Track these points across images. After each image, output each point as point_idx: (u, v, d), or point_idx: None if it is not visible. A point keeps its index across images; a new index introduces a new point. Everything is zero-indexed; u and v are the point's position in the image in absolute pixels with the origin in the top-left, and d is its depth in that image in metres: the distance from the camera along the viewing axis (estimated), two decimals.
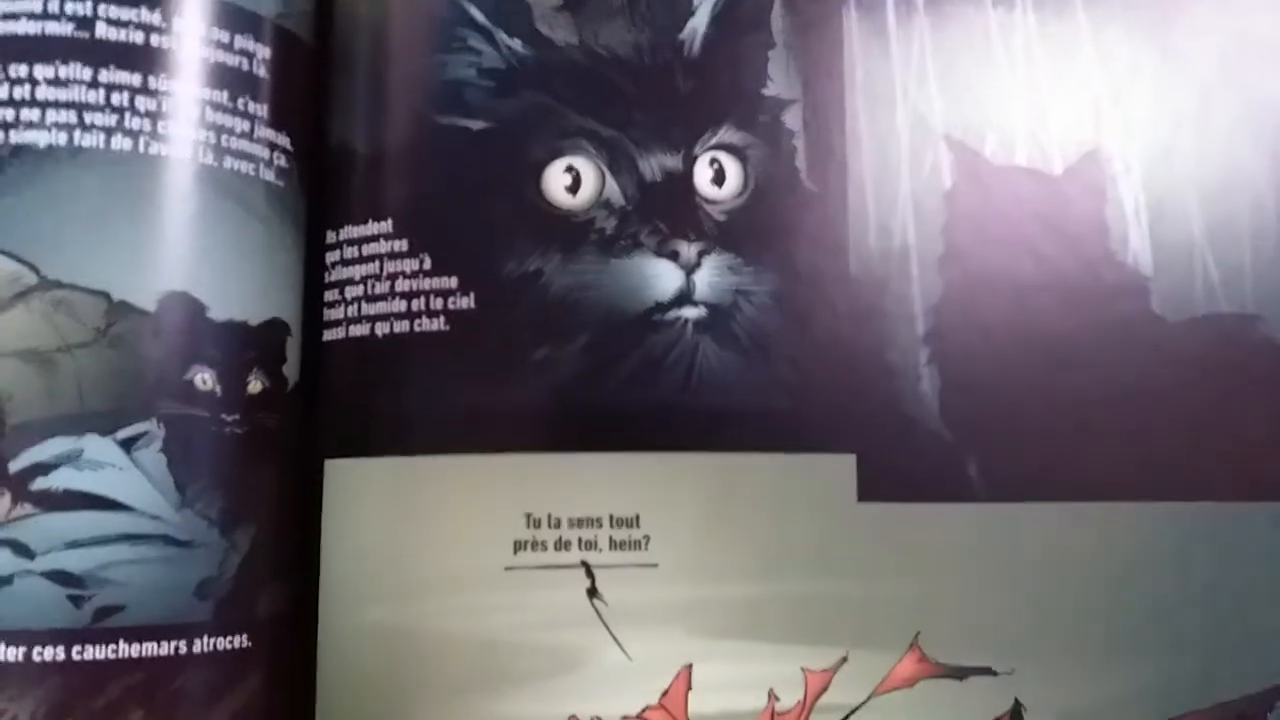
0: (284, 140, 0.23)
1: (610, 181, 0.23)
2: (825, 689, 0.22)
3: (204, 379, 0.22)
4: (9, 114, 0.21)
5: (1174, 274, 0.24)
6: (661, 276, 0.23)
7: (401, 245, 0.23)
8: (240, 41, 0.23)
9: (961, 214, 0.24)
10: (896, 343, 0.23)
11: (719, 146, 0.23)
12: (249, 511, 0.22)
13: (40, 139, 0.21)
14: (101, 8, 0.21)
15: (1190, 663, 0.23)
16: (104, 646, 0.20)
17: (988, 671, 0.23)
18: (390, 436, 0.23)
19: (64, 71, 0.21)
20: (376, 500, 0.23)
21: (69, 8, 0.21)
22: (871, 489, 0.23)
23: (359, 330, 0.23)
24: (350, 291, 0.24)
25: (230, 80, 0.23)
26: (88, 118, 0.21)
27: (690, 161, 0.23)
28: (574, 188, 0.23)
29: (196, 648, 0.21)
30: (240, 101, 0.23)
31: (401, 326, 0.23)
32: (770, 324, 0.23)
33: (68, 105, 0.21)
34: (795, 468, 0.23)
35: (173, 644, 0.21)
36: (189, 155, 0.22)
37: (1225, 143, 0.25)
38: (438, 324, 0.23)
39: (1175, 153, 0.24)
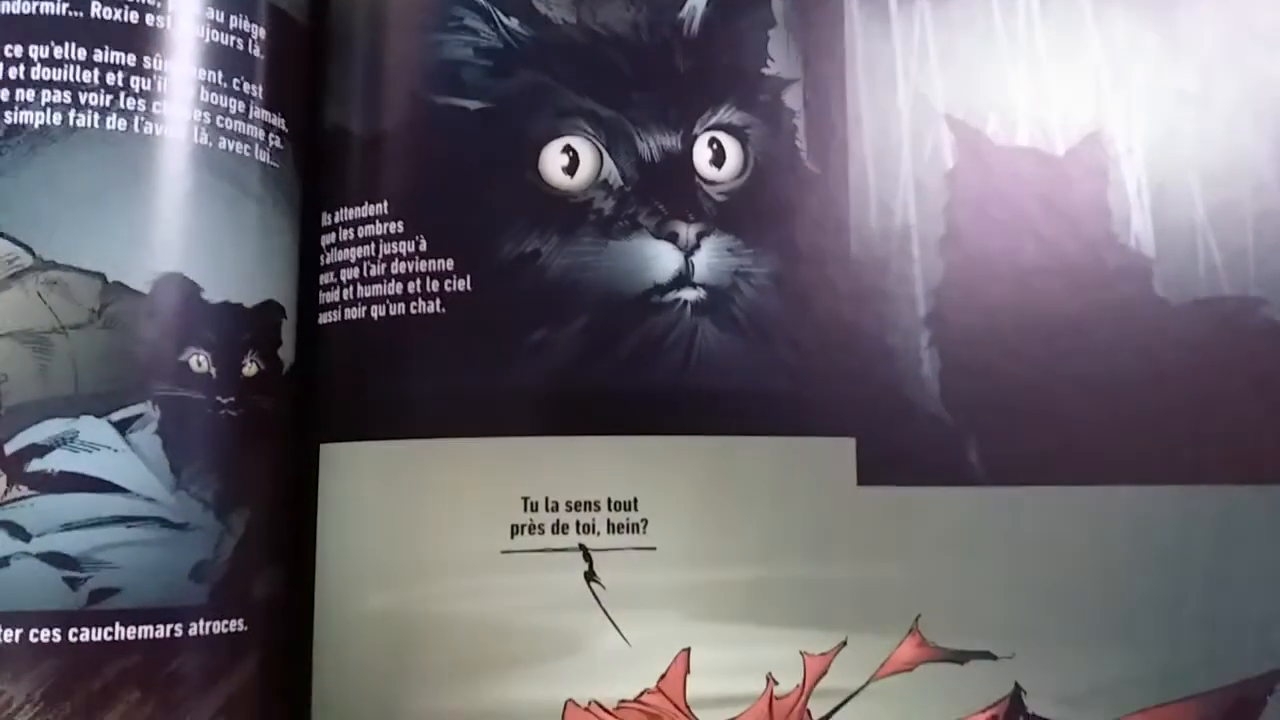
0: (279, 121, 0.23)
1: (608, 162, 0.23)
2: (824, 673, 0.22)
3: (199, 361, 0.22)
4: (3, 94, 0.21)
5: (1176, 256, 0.24)
6: (660, 258, 0.23)
7: (397, 227, 0.23)
8: (235, 22, 0.23)
9: (963, 195, 0.24)
10: (897, 325, 0.23)
11: (718, 126, 0.23)
12: (244, 494, 0.22)
13: (35, 119, 0.21)
14: None
15: (1190, 646, 0.23)
16: (100, 629, 0.20)
17: (987, 655, 0.23)
18: (386, 420, 0.23)
19: (59, 51, 0.21)
20: (373, 484, 0.23)
21: None
22: (871, 472, 0.23)
23: (355, 313, 0.23)
24: (346, 274, 0.23)
25: (225, 61, 0.22)
26: (82, 97, 0.21)
27: (689, 142, 0.23)
28: (572, 168, 0.23)
29: (192, 630, 0.21)
30: (235, 82, 0.23)
31: (398, 309, 0.23)
32: (770, 306, 0.23)
33: (62, 85, 0.21)
34: (795, 451, 0.23)
35: (168, 627, 0.21)
36: (184, 136, 0.22)
37: (1228, 125, 0.24)
38: (434, 306, 0.23)
39: (1178, 134, 0.24)
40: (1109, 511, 0.23)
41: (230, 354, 0.22)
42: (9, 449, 0.20)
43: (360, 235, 0.23)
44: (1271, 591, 0.23)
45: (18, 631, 0.20)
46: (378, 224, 0.23)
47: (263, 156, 0.23)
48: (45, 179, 0.21)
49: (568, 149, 0.23)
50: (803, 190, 0.23)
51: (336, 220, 0.24)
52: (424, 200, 0.23)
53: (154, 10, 0.22)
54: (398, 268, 0.23)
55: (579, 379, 0.22)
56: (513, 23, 0.23)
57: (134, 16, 0.22)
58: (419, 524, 0.22)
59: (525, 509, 0.22)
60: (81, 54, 0.21)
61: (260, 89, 0.23)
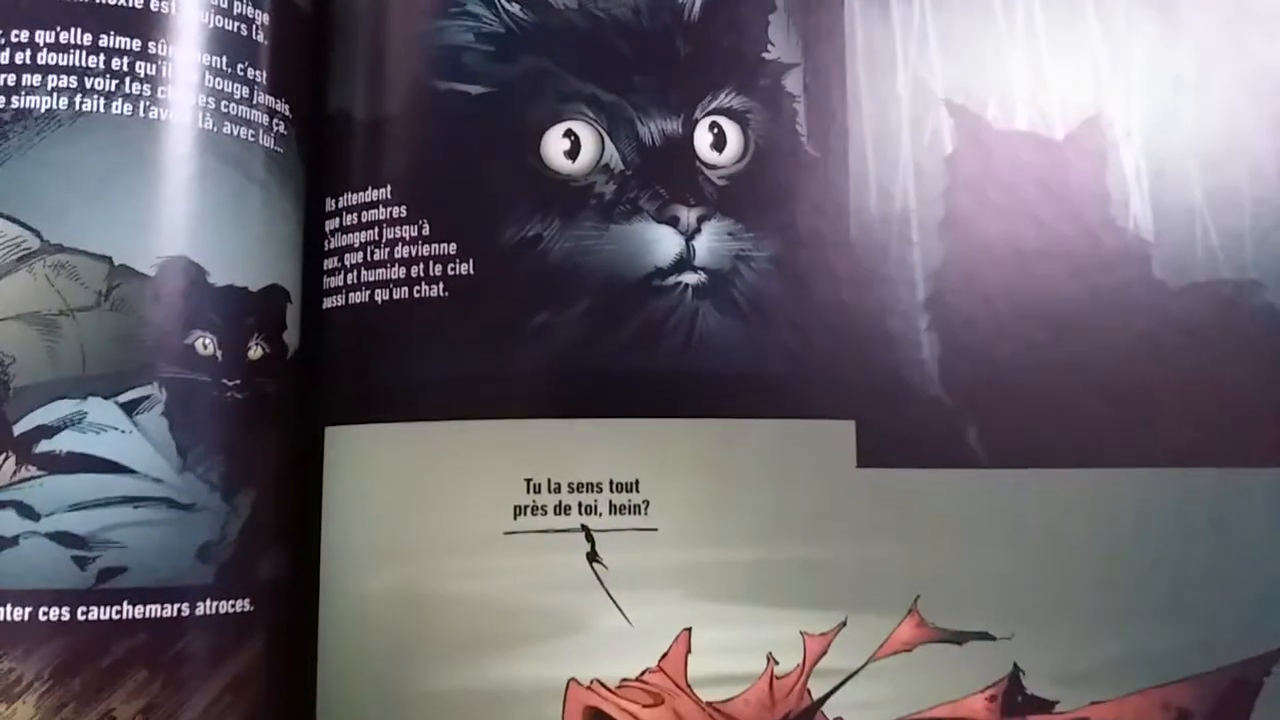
0: (283, 107, 0.24)
1: (610, 146, 0.23)
2: (824, 653, 0.23)
3: (205, 343, 0.22)
4: (10, 79, 0.21)
5: (1174, 239, 0.24)
6: (661, 242, 0.23)
7: (401, 212, 0.23)
8: (239, 7, 0.23)
9: (962, 179, 0.24)
10: (897, 308, 0.23)
11: (719, 111, 0.23)
12: (250, 476, 0.22)
13: (41, 103, 0.21)
14: None
15: (1188, 627, 0.23)
16: (108, 607, 0.21)
17: (986, 636, 0.23)
18: (390, 403, 0.23)
19: (65, 36, 0.21)
20: (377, 467, 0.23)
21: None
22: (871, 455, 0.23)
23: (358, 297, 0.23)
24: (350, 259, 0.24)
25: (230, 46, 0.23)
26: (88, 82, 0.21)
27: (690, 126, 0.23)
28: (573, 153, 0.23)
29: (199, 610, 0.21)
30: (240, 67, 0.23)
31: (401, 293, 0.23)
32: (770, 289, 0.23)
33: (69, 70, 0.21)
34: (794, 433, 0.23)
35: (175, 606, 0.21)
36: (189, 120, 0.22)
37: (1226, 108, 0.24)
38: (437, 290, 0.23)
39: (1176, 119, 0.24)
40: (1107, 494, 0.23)
41: (235, 337, 0.22)
42: (18, 430, 0.21)
43: (364, 220, 0.23)
44: (1268, 573, 0.24)
45: (27, 610, 0.20)
46: (381, 209, 0.23)
47: (267, 141, 0.23)
48: (52, 163, 0.21)
49: (569, 133, 0.23)
50: (803, 175, 0.23)
51: (340, 205, 0.24)
52: (427, 185, 0.23)
53: None
54: (401, 252, 0.23)
55: (581, 362, 0.22)
56: (514, 8, 0.23)
57: (139, 2, 0.22)
58: (423, 505, 0.23)
59: (528, 490, 0.22)
60: (87, 39, 0.21)
61: (264, 74, 0.23)
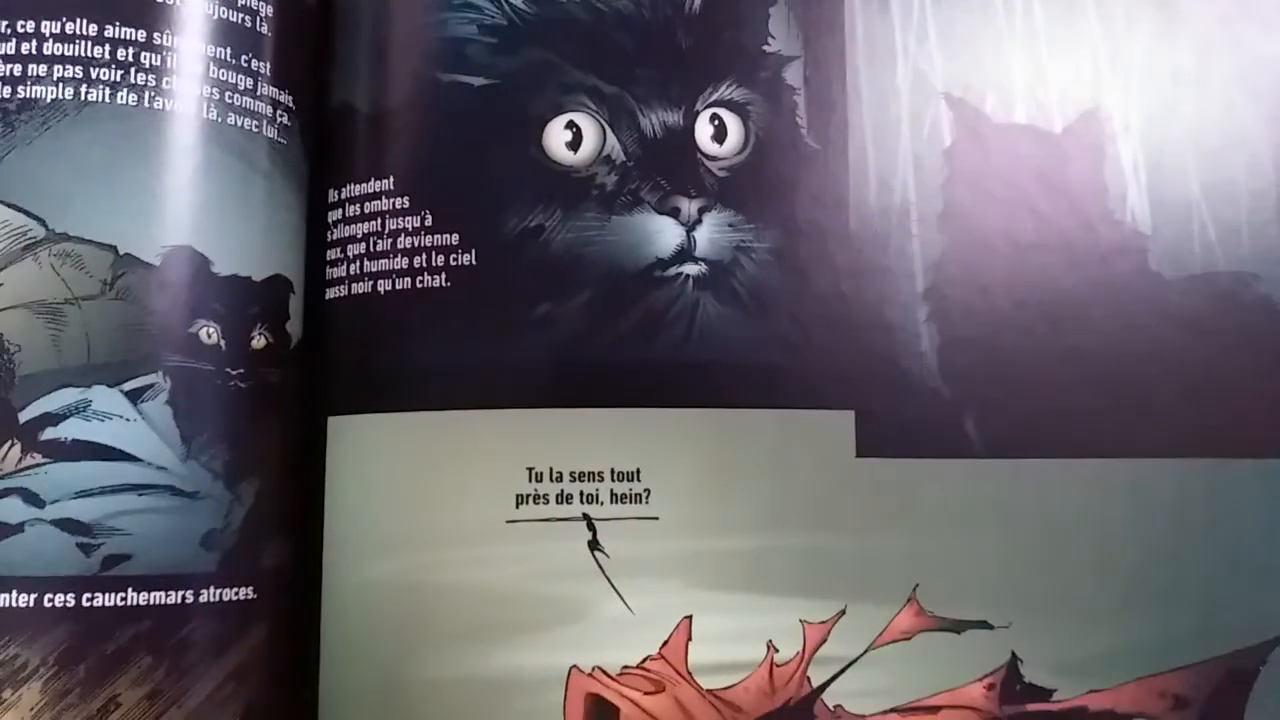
0: (287, 98, 0.24)
1: (611, 138, 0.23)
2: (824, 641, 0.23)
3: (208, 333, 0.22)
4: (16, 69, 0.21)
5: (1172, 232, 0.24)
6: (662, 233, 0.23)
7: (403, 203, 0.23)
8: None
9: (961, 171, 0.24)
10: (896, 299, 0.23)
11: (720, 103, 0.23)
12: (253, 465, 0.22)
13: (47, 93, 0.21)
14: None
15: (1185, 617, 0.23)
16: (113, 594, 0.21)
17: (984, 625, 0.23)
18: (393, 393, 0.23)
19: (70, 27, 0.21)
20: (379, 456, 0.23)
21: None
22: (870, 445, 0.23)
23: (361, 288, 0.24)
24: (352, 249, 0.24)
25: (234, 37, 0.23)
26: (94, 73, 0.21)
27: (691, 118, 0.23)
28: (575, 144, 0.23)
29: (203, 597, 0.22)
30: (244, 58, 0.23)
31: (403, 283, 0.23)
32: (770, 280, 0.23)
33: (74, 60, 0.21)
34: (794, 423, 0.23)
35: (179, 593, 0.21)
36: (193, 111, 0.22)
37: (1224, 102, 0.25)
38: (439, 281, 0.23)
39: (1174, 112, 0.24)
40: (1105, 483, 0.23)
41: (239, 326, 0.22)
42: (23, 418, 0.21)
43: (366, 211, 0.24)
44: (1264, 563, 0.24)
45: (33, 596, 0.20)
46: (384, 200, 0.23)
47: (270, 133, 0.23)
48: (57, 153, 0.21)
49: (571, 125, 0.23)
50: (803, 166, 0.23)
51: (343, 196, 0.24)
52: (429, 176, 0.23)
53: None
54: (403, 243, 0.23)
55: (582, 352, 0.23)
56: (517, 1, 0.23)
57: None
58: (425, 494, 0.23)
59: (530, 479, 0.22)
60: (93, 30, 0.21)
61: (268, 66, 0.23)
